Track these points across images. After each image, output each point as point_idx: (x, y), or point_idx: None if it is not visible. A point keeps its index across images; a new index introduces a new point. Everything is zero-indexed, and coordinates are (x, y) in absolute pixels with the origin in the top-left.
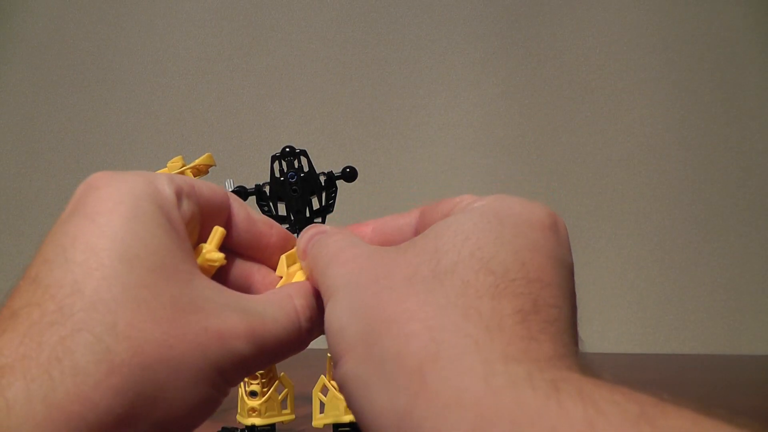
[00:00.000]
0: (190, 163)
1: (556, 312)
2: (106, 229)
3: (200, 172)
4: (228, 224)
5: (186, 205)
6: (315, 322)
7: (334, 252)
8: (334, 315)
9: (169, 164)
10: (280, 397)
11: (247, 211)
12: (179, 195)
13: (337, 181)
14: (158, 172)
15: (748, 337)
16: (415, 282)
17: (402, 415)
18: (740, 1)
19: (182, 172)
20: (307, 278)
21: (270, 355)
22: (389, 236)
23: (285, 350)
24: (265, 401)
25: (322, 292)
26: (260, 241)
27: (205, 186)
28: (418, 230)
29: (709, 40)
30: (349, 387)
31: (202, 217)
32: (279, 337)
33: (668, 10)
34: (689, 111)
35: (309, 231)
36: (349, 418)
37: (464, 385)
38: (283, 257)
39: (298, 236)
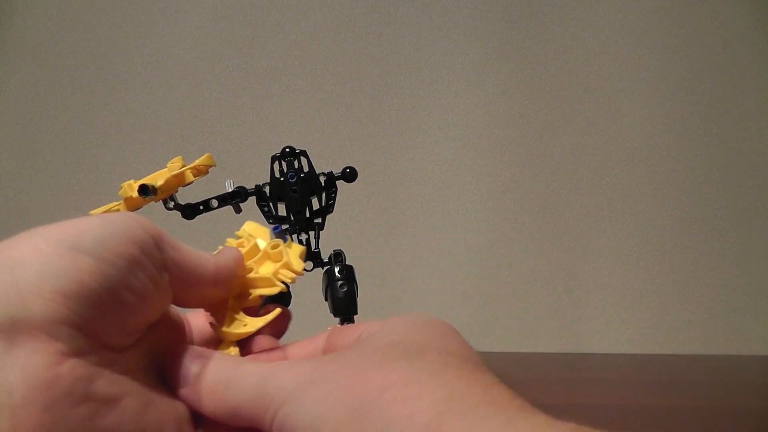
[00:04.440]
0: (190, 163)
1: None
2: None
3: (200, 172)
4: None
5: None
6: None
7: (267, 369)
8: (301, 412)
9: (169, 164)
10: None
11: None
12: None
13: (337, 182)
14: (158, 172)
15: (748, 337)
16: (389, 361)
17: None
18: (740, 1)
19: (182, 173)
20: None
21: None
22: (308, 356)
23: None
24: None
25: (260, 405)
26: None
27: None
28: (327, 350)
29: (709, 40)
30: None
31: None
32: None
33: (668, 11)
34: (689, 111)
35: (189, 360)
36: None
37: (485, 427)
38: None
39: (296, 234)
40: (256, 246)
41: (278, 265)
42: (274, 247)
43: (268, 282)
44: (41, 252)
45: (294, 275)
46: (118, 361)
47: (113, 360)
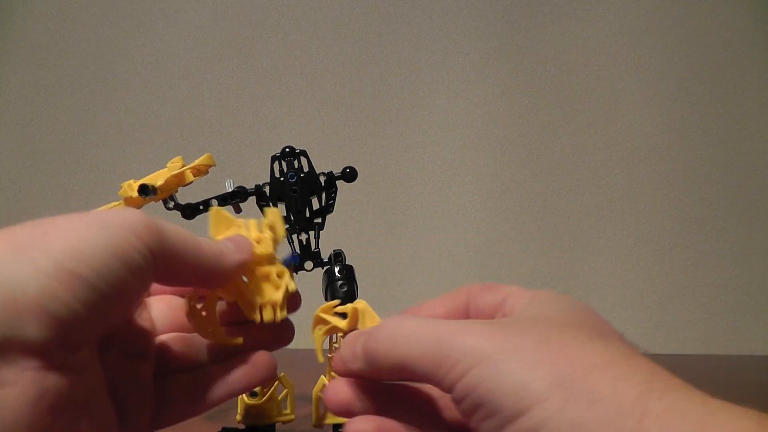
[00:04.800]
0: (190, 163)
1: None
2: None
3: (200, 172)
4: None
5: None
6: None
7: (442, 326)
8: (504, 376)
9: (169, 164)
10: (279, 398)
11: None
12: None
13: (337, 182)
14: (158, 172)
15: (748, 337)
16: (587, 342)
17: None
18: (740, 1)
19: (182, 173)
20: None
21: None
22: (450, 316)
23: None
24: (265, 401)
25: (439, 362)
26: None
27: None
28: (470, 310)
29: (709, 40)
30: (553, 429)
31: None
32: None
33: (668, 11)
34: (689, 111)
35: (359, 336)
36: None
37: (685, 407)
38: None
39: (296, 234)
40: (270, 254)
41: (272, 296)
42: (280, 274)
43: (251, 306)
44: (42, 272)
45: (273, 318)
46: (83, 362)
47: (81, 362)
